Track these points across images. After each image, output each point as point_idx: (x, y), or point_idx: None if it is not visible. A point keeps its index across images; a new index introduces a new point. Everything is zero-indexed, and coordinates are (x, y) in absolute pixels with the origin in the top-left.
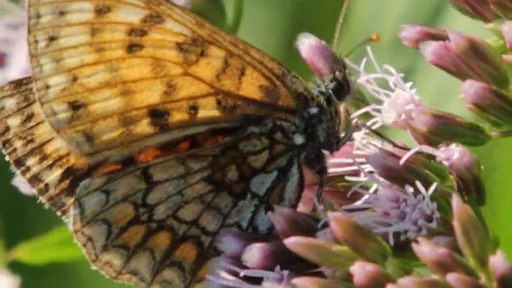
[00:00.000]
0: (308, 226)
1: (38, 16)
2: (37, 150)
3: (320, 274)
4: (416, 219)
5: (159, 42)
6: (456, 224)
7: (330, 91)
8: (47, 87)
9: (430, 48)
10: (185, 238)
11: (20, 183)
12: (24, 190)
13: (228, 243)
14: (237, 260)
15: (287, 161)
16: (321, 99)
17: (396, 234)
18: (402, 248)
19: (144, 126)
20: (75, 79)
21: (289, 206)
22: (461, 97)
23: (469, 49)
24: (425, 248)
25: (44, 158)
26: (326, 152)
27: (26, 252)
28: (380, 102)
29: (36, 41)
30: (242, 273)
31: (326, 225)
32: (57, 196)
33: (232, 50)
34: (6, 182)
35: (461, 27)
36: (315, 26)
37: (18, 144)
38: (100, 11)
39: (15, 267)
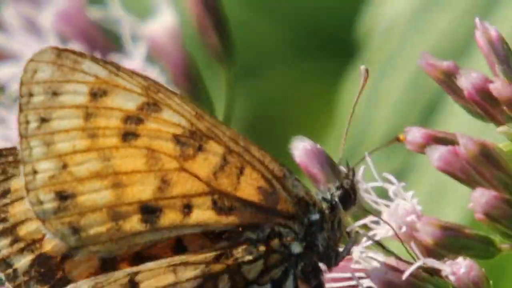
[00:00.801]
0: None
1: (30, 95)
2: (10, 230)
3: None
4: None
5: (155, 133)
6: None
7: (337, 199)
8: (35, 172)
9: (437, 154)
10: None
11: None
12: None
13: None
14: None
15: (282, 272)
16: (324, 206)
17: None
18: None
19: (134, 223)
20: (64, 166)
21: None
22: (469, 206)
23: (480, 154)
24: None
25: (16, 240)
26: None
27: None
28: (378, 212)
29: (27, 122)
30: None
31: None
32: (25, 284)
33: (232, 146)
34: None
35: (461, 126)
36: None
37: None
38: (95, 95)
39: None
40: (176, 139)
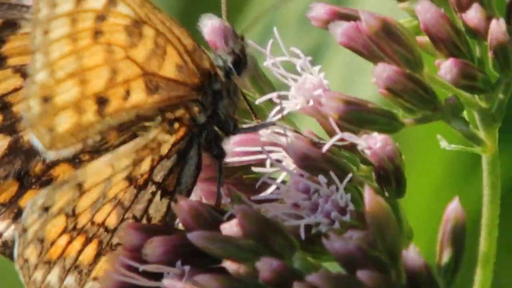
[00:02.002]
0: (213, 218)
1: (38, 11)
2: None
3: (224, 270)
4: (329, 211)
5: (113, 27)
6: (368, 215)
7: (230, 65)
8: (34, 82)
9: (340, 29)
10: (91, 239)
11: None
12: None
13: (128, 236)
14: (137, 253)
15: (187, 143)
16: (221, 74)
17: (307, 227)
18: (312, 242)
19: (90, 115)
20: (52, 72)
21: (185, 190)
22: (372, 81)
23: (382, 30)
24: (335, 243)
25: None
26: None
27: None
28: (287, 87)
29: (35, 37)
30: (141, 267)
31: (232, 217)
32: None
33: (160, 28)
34: None
35: (372, 7)
36: None
37: None
38: (78, 0)
39: None
40: (127, 30)
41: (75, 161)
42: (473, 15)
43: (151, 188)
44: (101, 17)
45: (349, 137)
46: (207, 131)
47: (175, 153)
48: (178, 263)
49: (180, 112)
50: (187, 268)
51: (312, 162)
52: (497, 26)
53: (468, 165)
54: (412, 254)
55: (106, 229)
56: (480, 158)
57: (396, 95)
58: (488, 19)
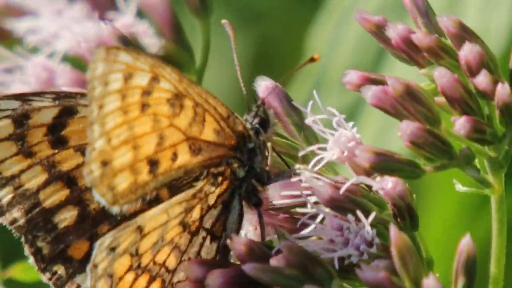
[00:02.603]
0: (263, 253)
1: (93, 88)
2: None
3: None
4: (358, 245)
5: (158, 100)
6: (393, 249)
7: (257, 125)
8: (93, 149)
9: (370, 92)
10: (155, 278)
11: None
12: None
13: (192, 269)
14: (201, 285)
15: (230, 194)
16: (252, 134)
17: (341, 259)
18: (346, 272)
19: (144, 175)
20: (109, 140)
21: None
22: (399, 135)
23: (405, 93)
24: (366, 272)
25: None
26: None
27: (18, 271)
28: (325, 140)
29: (92, 111)
30: None
31: (278, 251)
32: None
33: (198, 100)
34: None
35: (399, 72)
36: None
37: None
38: (126, 79)
39: (9, 283)
40: (169, 102)
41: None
42: (482, 80)
43: (202, 233)
44: (146, 92)
45: (364, 179)
46: (246, 183)
47: (221, 203)
48: None
49: (222, 168)
50: None
51: (338, 203)
52: (503, 89)
53: (478, 204)
54: (431, 281)
55: (167, 269)
56: (489, 198)
57: (418, 147)
58: (495, 82)
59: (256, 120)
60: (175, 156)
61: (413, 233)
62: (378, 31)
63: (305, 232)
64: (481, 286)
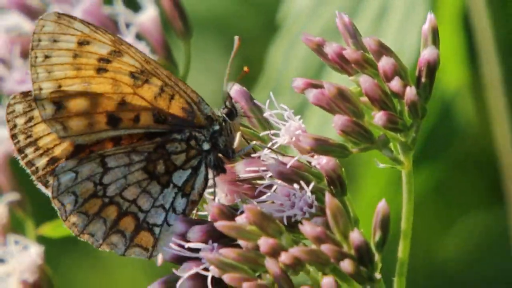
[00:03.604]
0: (230, 213)
1: (39, 40)
2: (33, 143)
3: (238, 246)
4: (302, 207)
5: (118, 69)
6: (327, 210)
7: (224, 113)
8: (40, 89)
9: (311, 94)
10: (127, 213)
11: None
12: None
13: (177, 225)
14: (183, 237)
15: (198, 162)
16: (220, 120)
17: (288, 218)
18: (293, 227)
19: (102, 124)
20: (59, 86)
21: (197, 194)
22: (333, 126)
23: (338, 94)
24: (307, 228)
25: (37, 149)
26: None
27: (48, 229)
28: (279, 129)
29: (36, 57)
30: (186, 245)
31: (242, 212)
32: (44, 176)
33: (167, 81)
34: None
35: (334, 79)
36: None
37: (21, 137)
38: (81, 43)
39: (41, 240)
40: (131, 74)
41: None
42: (395, 84)
43: (174, 189)
44: (104, 60)
45: (305, 157)
46: (212, 155)
47: (190, 167)
48: (210, 242)
49: (185, 137)
50: (215, 245)
51: (286, 176)
52: (411, 91)
53: (396, 179)
54: (356, 234)
55: (140, 209)
56: (401, 173)
57: (347, 134)
58: (405, 86)
59: (224, 111)
60: (137, 118)
61: (343, 197)
62: (319, 48)
63: (262, 198)
64: (393, 240)
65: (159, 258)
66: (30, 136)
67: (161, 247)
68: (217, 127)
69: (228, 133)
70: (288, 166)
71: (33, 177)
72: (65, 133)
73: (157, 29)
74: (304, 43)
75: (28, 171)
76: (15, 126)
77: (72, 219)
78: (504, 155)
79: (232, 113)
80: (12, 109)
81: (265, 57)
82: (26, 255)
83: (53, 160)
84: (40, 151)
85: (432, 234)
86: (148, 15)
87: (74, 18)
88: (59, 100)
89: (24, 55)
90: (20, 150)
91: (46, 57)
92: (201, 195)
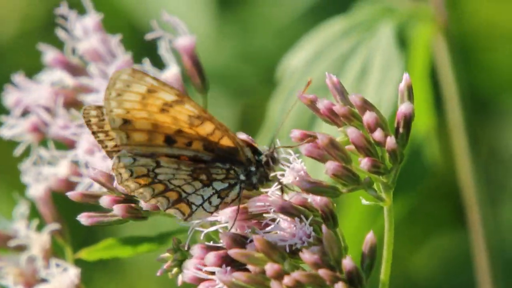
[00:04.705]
0: (242, 241)
1: (115, 84)
2: (104, 132)
3: (247, 270)
4: (301, 237)
5: (179, 111)
6: (324, 240)
7: (263, 162)
8: (111, 111)
9: (304, 148)
10: (172, 190)
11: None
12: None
13: (196, 251)
14: (201, 260)
15: (234, 182)
16: (258, 164)
17: (290, 246)
18: (294, 254)
19: (159, 141)
20: (128, 112)
21: (230, 200)
22: (324, 172)
23: (329, 143)
24: (306, 255)
25: (107, 135)
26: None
27: (84, 253)
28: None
29: (110, 93)
30: (204, 269)
31: (251, 241)
32: (110, 153)
33: (218, 127)
34: (75, 213)
35: (325, 130)
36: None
37: (94, 128)
38: (149, 91)
39: (78, 263)
40: (189, 116)
41: None
42: (377, 134)
43: (212, 190)
44: (168, 104)
45: (302, 195)
46: (245, 184)
47: (227, 183)
48: (223, 265)
49: (227, 168)
50: (228, 268)
51: (287, 210)
52: (391, 140)
53: (377, 212)
54: (348, 260)
55: (184, 191)
56: (383, 208)
57: (338, 178)
58: (386, 136)
59: (265, 159)
60: (189, 143)
61: (335, 229)
62: (312, 104)
63: (268, 229)
64: (378, 264)
65: (179, 279)
66: (102, 127)
67: (183, 270)
68: (253, 168)
69: (261, 175)
70: (290, 202)
71: (103, 150)
72: (127, 141)
73: (179, 84)
74: (299, 99)
75: (100, 146)
76: (89, 120)
77: (126, 183)
78: (466, 188)
79: (269, 163)
80: (87, 112)
81: (262, 106)
82: (66, 276)
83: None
84: (110, 137)
85: (406, 253)
86: (171, 73)
87: (147, 74)
88: (126, 119)
89: (66, 105)
90: (94, 133)
91: (119, 95)
92: (233, 200)
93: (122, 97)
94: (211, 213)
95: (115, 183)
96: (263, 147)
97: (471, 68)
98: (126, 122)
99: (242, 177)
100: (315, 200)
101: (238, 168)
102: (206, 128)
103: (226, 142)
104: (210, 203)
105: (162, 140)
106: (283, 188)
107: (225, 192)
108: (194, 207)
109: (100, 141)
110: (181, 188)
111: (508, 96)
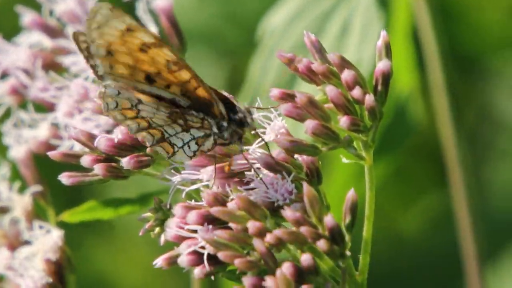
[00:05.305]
0: (223, 200)
1: (95, 16)
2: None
3: (229, 228)
4: (283, 194)
5: (157, 53)
6: (305, 197)
7: (235, 120)
8: (93, 41)
9: (283, 107)
10: (155, 128)
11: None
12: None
13: (178, 210)
14: (183, 219)
15: (209, 133)
16: (229, 120)
17: (272, 204)
18: (276, 211)
19: (140, 78)
20: (109, 45)
21: (206, 148)
22: (304, 131)
23: (308, 102)
24: (288, 212)
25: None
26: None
27: (67, 216)
28: (264, 128)
29: (91, 24)
30: (186, 227)
31: (233, 199)
32: (100, 78)
33: (195, 77)
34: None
35: (304, 88)
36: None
37: (86, 53)
38: (128, 29)
39: (60, 224)
40: (167, 61)
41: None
42: (356, 92)
43: (191, 136)
44: (146, 45)
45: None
46: (218, 136)
47: (203, 132)
48: (205, 224)
49: (201, 116)
50: (210, 227)
51: (272, 167)
52: (369, 98)
53: (360, 172)
54: (329, 218)
55: (166, 131)
56: (363, 167)
57: (317, 136)
58: (364, 93)
59: (237, 117)
60: (168, 87)
61: (319, 186)
62: (291, 63)
63: (249, 186)
64: (361, 222)
65: (162, 238)
66: (91, 53)
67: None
68: (225, 124)
69: (231, 132)
70: (275, 158)
71: (96, 76)
72: (111, 71)
73: None
74: (278, 58)
75: (92, 71)
76: (80, 46)
77: (113, 113)
78: (448, 148)
79: (244, 125)
80: (77, 36)
81: (248, 66)
82: (49, 238)
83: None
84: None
85: (394, 210)
86: None
87: (126, 14)
88: (111, 51)
89: (45, 67)
90: (86, 58)
91: (99, 27)
92: (209, 150)
93: (102, 30)
94: (191, 157)
95: (96, 142)
96: (243, 104)
97: (458, 27)
98: (109, 53)
99: (214, 129)
100: (302, 157)
101: (211, 120)
102: (183, 75)
103: (201, 93)
104: (189, 147)
105: (143, 77)
106: (265, 145)
107: (201, 140)
108: (176, 148)
109: (92, 66)
110: (163, 128)
111: (496, 55)
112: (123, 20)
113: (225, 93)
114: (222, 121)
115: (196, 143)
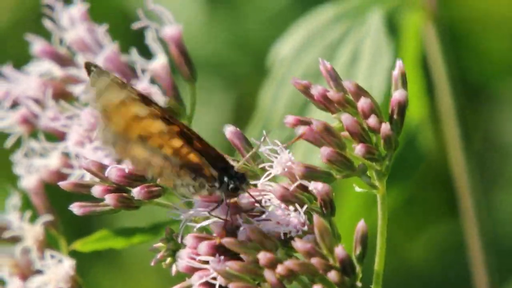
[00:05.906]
0: (233, 231)
1: (94, 83)
2: None
3: (240, 259)
4: (295, 225)
5: (149, 125)
6: (315, 229)
7: (231, 186)
8: (93, 99)
9: (300, 130)
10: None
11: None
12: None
13: (190, 240)
14: (194, 249)
15: (203, 185)
16: (221, 183)
17: (283, 235)
18: (287, 242)
19: (133, 137)
20: (106, 107)
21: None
22: (319, 157)
23: (324, 129)
24: (299, 243)
25: None
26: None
27: (78, 245)
28: (271, 161)
29: (92, 85)
30: (197, 258)
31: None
32: None
33: (186, 144)
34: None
35: (319, 116)
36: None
37: None
38: (123, 103)
39: (72, 254)
40: (160, 131)
41: None
42: (372, 120)
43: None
44: (139, 118)
45: (304, 182)
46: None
47: (199, 184)
48: (217, 255)
49: (194, 175)
50: (221, 257)
51: (286, 198)
52: (385, 126)
53: (372, 201)
54: (340, 249)
55: (164, 170)
56: (376, 196)
57: (332, 163)
58: (380, 122)
59: (232, 186)
60: (160, 147)
61: (331, 218)
62: (306, 90)
63: (261, 217)
64: (371, 250)
65: (173, 268)
66: None
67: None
68: (217, 185)
69: (225, 191)
70: (291, 190)
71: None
72: (108, 125)
73: (167, 74)
74: (293, 85)
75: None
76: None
77: (112, 150)
78: (458, 176)
79: (237, 189)
80: (89, 66)
81: (256, 94)
82: (61, 267)
83: None
84: None
85: (403, 240)
86: (159, 62)
87: (125, 85)
88: (106, 111)
89: (55, 96)
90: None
91: (98, 93)
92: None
93: (100, 95)
94: (192, 195)
95: (107, 173)
96: (251, 140)
97: (463, 55)
98: (105, 111)
99: (207, 186)
100: (317, 188)
101: (203, 179)
102: (174, 143)
103: (193, 158)
104: (188, 189)
105: (135, 137)
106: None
107: (198, 188)
108: (177, 185)
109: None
110: (160, 169)
111: (502, 82)
112: (118, 93)
113: (232, 128)
114: (214, 182)
115: (194, 188)
